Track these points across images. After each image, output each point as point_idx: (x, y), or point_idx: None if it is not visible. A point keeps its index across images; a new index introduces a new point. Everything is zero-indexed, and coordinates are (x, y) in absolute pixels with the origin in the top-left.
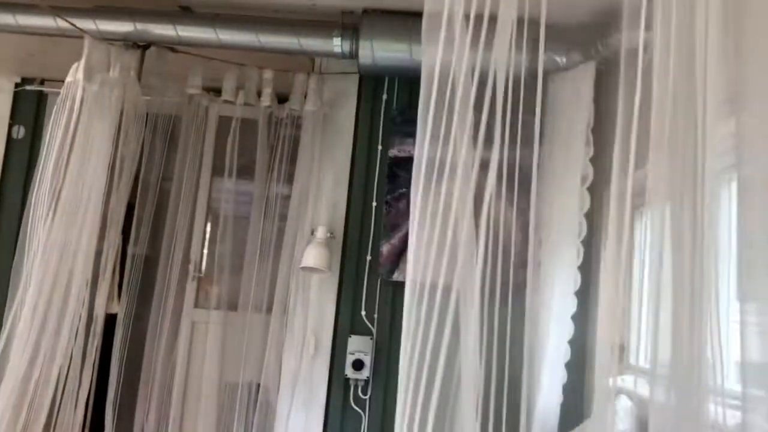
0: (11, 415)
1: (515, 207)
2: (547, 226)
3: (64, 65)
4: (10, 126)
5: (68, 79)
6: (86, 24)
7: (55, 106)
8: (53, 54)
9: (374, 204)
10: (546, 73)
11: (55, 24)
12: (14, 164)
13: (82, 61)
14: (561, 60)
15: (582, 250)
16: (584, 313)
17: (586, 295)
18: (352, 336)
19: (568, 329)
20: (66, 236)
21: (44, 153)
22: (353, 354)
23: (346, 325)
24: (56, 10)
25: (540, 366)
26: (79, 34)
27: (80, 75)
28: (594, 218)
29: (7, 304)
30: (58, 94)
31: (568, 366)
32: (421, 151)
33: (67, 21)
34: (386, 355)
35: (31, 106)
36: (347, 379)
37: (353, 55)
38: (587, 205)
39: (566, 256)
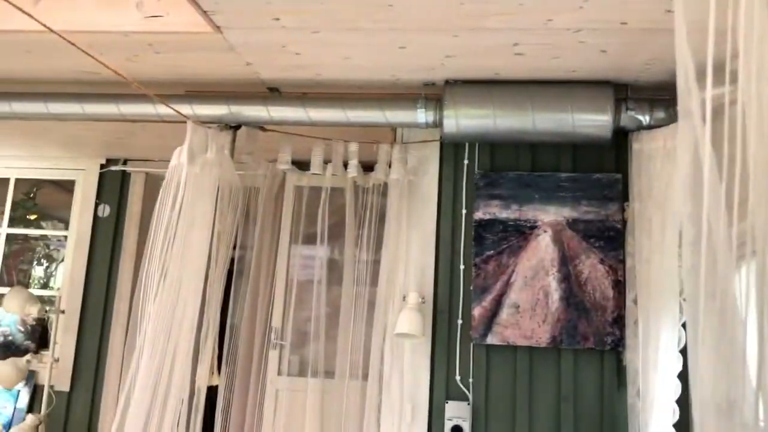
0: None
1: (605, 265)
2: (645, 284)
3: (145, 146)
4: (96, 205)
5: (172, 162)
6: (184, 109)
7: (161, 189)
8: (136, 137)
9: (462, 267)
10: (628, 132)
11: (154, 111)
12: (101, 242)
13: (186, 145)
14: (644, 118)
15: (683, 307)
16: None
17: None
18: (449, 402)
19: (674, 388)
20: (172, 312)
21: (152, 234)
22: (451, 420)
23: (441, 390)
24: (162, 98)
25: (647, 427)
26: (170, 119)
27: (184, 158)
28: (694, 274)
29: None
30: (140, 173)
31: (677, 426)
32: None
33: (171, 108)
34: (484, 420)
35: (116, 186)
36: None
37: (436, 125)
38: (689, 262)
39: (668, 313)
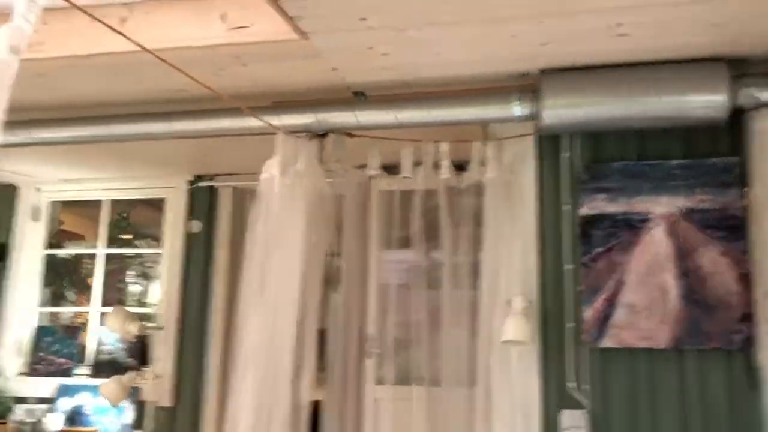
0: None
1: (728, 257)
2: None
3: (231, 161)
4: (187, 221)
5: (264, 175)
6: (272, 120)
7: (255, 203)
8: (222, 152)
9: (568, 267)
10: (746, 111)
11: (242, 125)
12: (193, 257)
13: (277, 157)
14: (764, 95)
15: None
16: None
17: None
18: (563, 410)
19: None
20: (272, 326)
21: (248, 247)
22: (567, 430)
23: (553, 398)
24: (251, 111)
25: None
26: (258, 132)
27: (275, 170)
28: None
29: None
30: (227, 188)
31: None
32: None
33: (261, 120)
34: (604, 429)
35: (204, 201)
36: None
37: (532, 117)
38: None
39: None
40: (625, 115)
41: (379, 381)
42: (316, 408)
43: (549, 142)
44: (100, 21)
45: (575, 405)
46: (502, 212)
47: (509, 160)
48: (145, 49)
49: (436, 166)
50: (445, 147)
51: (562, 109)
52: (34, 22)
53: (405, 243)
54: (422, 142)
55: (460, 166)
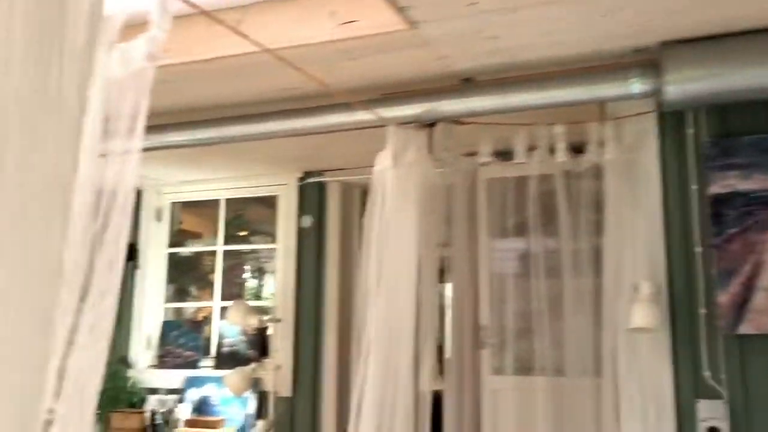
0: None
1: None
2: None
3: (339, 156)
4: (299, 217)
5: (376, 167)
6: (382, 113)
7: (369, 196)
8: (330, 147)
9: (698, 250)
10: None
11: (352, 119)
12: (306, 251)
13: (388, 149)
14: None
15: None
16: None
17: None
18: (700, 401)
19: None
20: (391, 317)
21: (365, 240)
22: (705, 421)
23: (688, 388)
24: (363, 104)
25: None
26: (368, 125)
27: (388, 162)
28: None
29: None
30: (336, 182)
31: None
32: None
33: (374, 113)
34: (745, 421)
35: (315, 196)
36: None
37: (653, 93)
38: None
39: None
40: (755, 86)
41: (497, 371)
42: (438, 399)
43: (672, 118)
44: (221, 23)
45: (712, 395)
46: (623, 194)
47: (629, 139)
48: (265, 49)
49: (551, 149)
50: (559, 129)
51: (686, 83)
52: (167, 30)
53: (517, 231)
54: (535, 125)
55: (576, 149)
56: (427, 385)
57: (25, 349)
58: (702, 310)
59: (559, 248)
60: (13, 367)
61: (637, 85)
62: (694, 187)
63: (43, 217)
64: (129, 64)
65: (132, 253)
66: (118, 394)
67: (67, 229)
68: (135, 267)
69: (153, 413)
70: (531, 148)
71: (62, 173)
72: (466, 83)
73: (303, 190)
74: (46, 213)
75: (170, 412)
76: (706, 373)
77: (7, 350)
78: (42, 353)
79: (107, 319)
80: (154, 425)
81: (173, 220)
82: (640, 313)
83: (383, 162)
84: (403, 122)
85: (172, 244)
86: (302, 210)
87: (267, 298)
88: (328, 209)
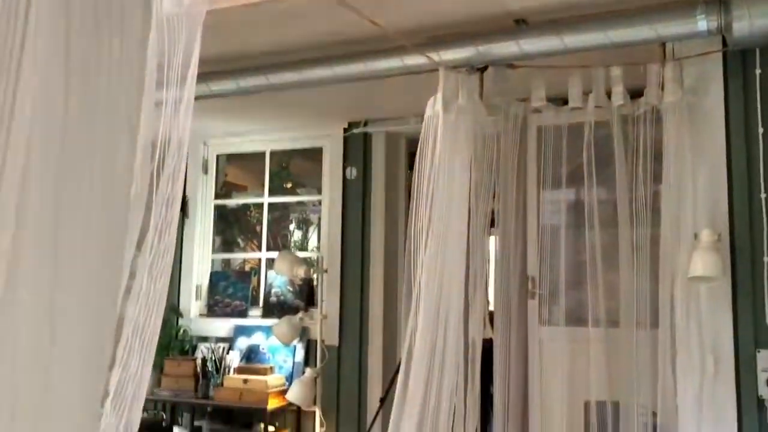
0: None
1: None
2: None
3: (383, 106)
4: (344, 168)
5: (427, 113)
6: (431, 55)
7: (420, 142)
8: (374, 97)
9: (763, 196)
10: None
11: (401, 63)
12: (351, 202)
13: (439, 94)
14: None
15: None
16: None
17: None
18: (761, 351)
19: None
20: (441, 266)
21: (414, 187)
22: (766, 371)
23: (749, 338)
24: (416, 47)
25: None
26: (416, 70)
27: (439, 107)
28: None
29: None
30: (380, 133)
31: None
32: None
33: (425, 55)
34: None
35: (359, 147)
36: (762, 401)
37: (720, 31)
38: None
39: None
40: None
41: (546, 322)
42: (491, 347)
43: (738, 59)
44: None
45: None
46: (684, 139)
47: (691, 81)
48: None
49: (608, 93)
50: (617, 71)
51: (756, 19)
52: None
53: (569, 181)
54: (591, 67)
55: (634, 93)
56: (479, 332)
57: (93, 301)
58: (765, 258)
59: (614, 198)
60: (81, 319)
61: (702, 22)
62: (760, 130)
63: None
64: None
65: (182, 204)
66: (169, 342)
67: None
68: (185, 217)
69: (204, 360)
70: (586, 93)
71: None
72: (520, 24)
73: (348, 142)
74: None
75: (220, 359)
76: None
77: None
78: (110, 306)
79: (166, 260)
80: (205, 371)
81: (219, 173)
82: (700, 261)
83: (434, 107)
84: (454, 66)
85: (218, 197)
86: (347, 161)
87: (313, 250)
88: (374, 160)
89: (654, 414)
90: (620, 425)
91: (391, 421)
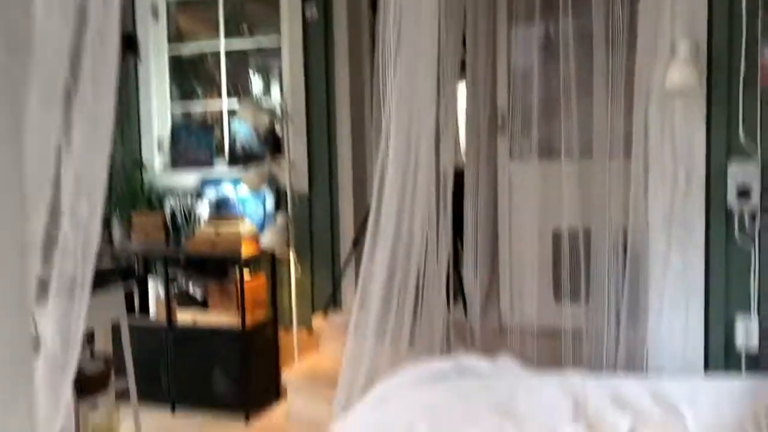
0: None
1: None
2: None
3: None
4: (303, 8)
5: None
6: None
7: None
8: None
9: (744, 4)
10: None
11: None
12: (314, 47)
13: None
14: None
15: None
16: None
17: None
18: (732, 163)
19: None
20: (410, 92)
21: (380, 19)
22: (736, 182)
23: (721, 150)
24: None
25: None
26: None
27: None
28: None
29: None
30: None
31: None
32: None
33: None
34: None
35: None
36: (729, 211)
37: None
38: None
39: None
40: None
41: (515, 157)
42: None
43: None
44: None
45: (745, 157)
46: None
47: None
48: None
49: None
50: None
51: None
52: None
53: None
54: None
55: None
56: (449, 162)
57: None
58: (742, 67)
59: (590, 24)
60: None
61: None
62: None
63: None
64: None
65: (131, 44)
66: (135, 196)
67: None
68: (137, 60)
69: (173, 212)
70: None
71: None
72: None
73: None
74: None
75: (189, 211)
76: (740, 134)
77: None
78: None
79: (104, 105)
80: (174, 223)
81: (170, 21)
82: (677, 73)
83: None
84: None
85: (172, 42)
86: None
87: (276, 97)
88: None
89: (625, 232)
90: (591, 249)
91: (364, 253)
